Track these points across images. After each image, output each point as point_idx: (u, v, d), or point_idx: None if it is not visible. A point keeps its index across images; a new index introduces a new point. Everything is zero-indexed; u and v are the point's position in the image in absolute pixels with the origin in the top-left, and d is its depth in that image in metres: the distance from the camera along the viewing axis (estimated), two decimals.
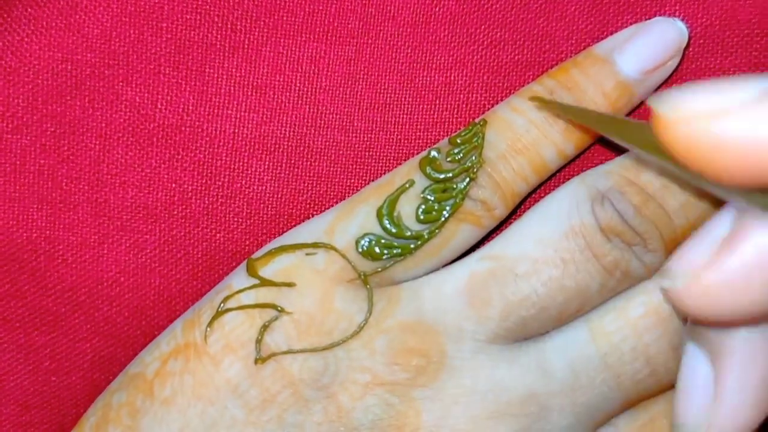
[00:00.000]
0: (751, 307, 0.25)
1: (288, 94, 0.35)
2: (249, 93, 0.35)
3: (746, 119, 0.21)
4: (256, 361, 0.32)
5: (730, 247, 0.25)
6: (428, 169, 0.33)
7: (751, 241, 0.25)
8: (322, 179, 0.35)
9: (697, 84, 0.22)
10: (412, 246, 0.33)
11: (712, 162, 0.21)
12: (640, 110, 0.35)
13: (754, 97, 0.21)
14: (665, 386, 0.33)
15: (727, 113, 0.21)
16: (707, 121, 0.21)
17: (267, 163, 0.35)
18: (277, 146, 0.35)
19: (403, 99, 0.35)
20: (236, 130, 0.35)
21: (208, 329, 0.32)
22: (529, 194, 0.34)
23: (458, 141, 0.33)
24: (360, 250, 0.32)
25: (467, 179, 0.32)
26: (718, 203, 0.32)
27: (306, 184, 0.36)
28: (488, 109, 0.35)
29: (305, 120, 0.35)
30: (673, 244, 0.32)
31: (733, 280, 0.25)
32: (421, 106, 0.35)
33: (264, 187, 0.35)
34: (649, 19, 0.34)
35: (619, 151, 0.35)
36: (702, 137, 0.21)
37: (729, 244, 0.25)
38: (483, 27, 0.35)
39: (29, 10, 0.34)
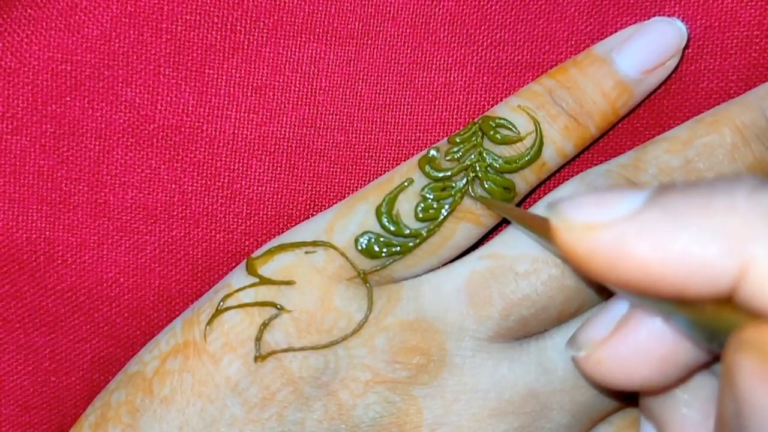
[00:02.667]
0: (640, 381, 0.28)
1: (288, 94, 0.35)
2: (249, 93, 0.35)
3: (614, 235, 0.23)
4: (255, 359, 0.32)
5: (623, 329, 0.28)
6: (427, 168, 0.33)
7: (641, 327, 0.28)
8: (322, 179, 0.35)
9: (585, 195, 0.25)
10: (411, 244, 0.32)
11: (590, 266, 0.24)
12: (638, 110, 0.35)
13: (625, 215, 0.23)
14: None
15: (599, 228, 0.24)
16: (585, 231, 0.24)
17: (267, 163, 0.35)
18: (277, 146, 0.35)
19: (403, 99, 0.35)
20: (236, 131, 0.35)
21: (208, 328, 0.32)
22: (529, 193, 0.34)
23: (457, 140, 0.33)
24: (359, 248, 0.32)
25: (466, 178, 0.32)
26: None
27: (306, 185, 0.35)
28: (488, 109, 0.35)
29: (305, 120, 0.35)
30: None
31: (623, 358, 0.28)
32: (421, 106, 0.35)
33: (264, 188, 0.35)
34: (649, 19, 0.35)
35: (619, 150, 0.35)
36: (581, 245, 0.24)
37: (623, 325, 0.28)
38: (483, 27, 0.35)
39: (29, 10, 0.34)
